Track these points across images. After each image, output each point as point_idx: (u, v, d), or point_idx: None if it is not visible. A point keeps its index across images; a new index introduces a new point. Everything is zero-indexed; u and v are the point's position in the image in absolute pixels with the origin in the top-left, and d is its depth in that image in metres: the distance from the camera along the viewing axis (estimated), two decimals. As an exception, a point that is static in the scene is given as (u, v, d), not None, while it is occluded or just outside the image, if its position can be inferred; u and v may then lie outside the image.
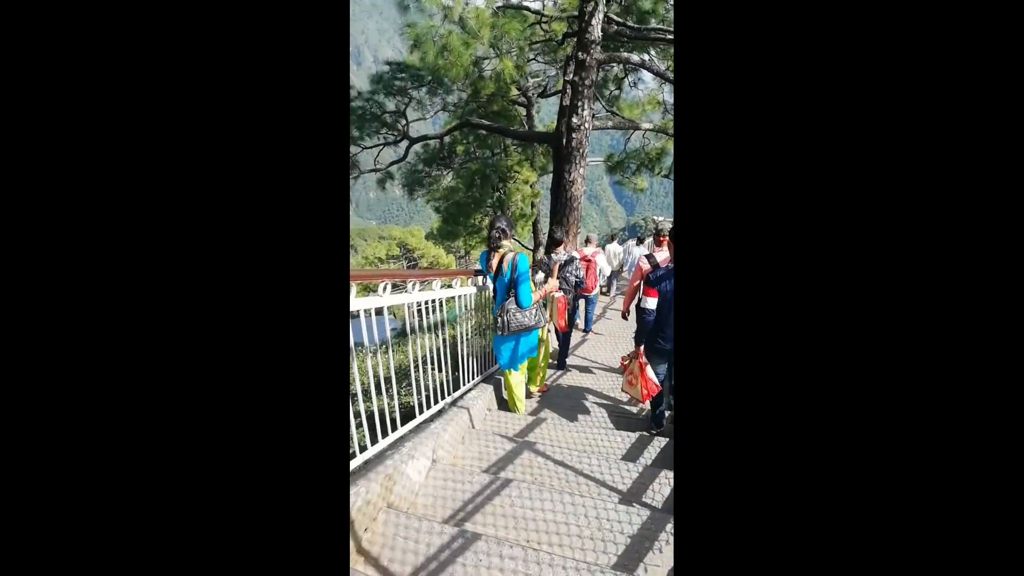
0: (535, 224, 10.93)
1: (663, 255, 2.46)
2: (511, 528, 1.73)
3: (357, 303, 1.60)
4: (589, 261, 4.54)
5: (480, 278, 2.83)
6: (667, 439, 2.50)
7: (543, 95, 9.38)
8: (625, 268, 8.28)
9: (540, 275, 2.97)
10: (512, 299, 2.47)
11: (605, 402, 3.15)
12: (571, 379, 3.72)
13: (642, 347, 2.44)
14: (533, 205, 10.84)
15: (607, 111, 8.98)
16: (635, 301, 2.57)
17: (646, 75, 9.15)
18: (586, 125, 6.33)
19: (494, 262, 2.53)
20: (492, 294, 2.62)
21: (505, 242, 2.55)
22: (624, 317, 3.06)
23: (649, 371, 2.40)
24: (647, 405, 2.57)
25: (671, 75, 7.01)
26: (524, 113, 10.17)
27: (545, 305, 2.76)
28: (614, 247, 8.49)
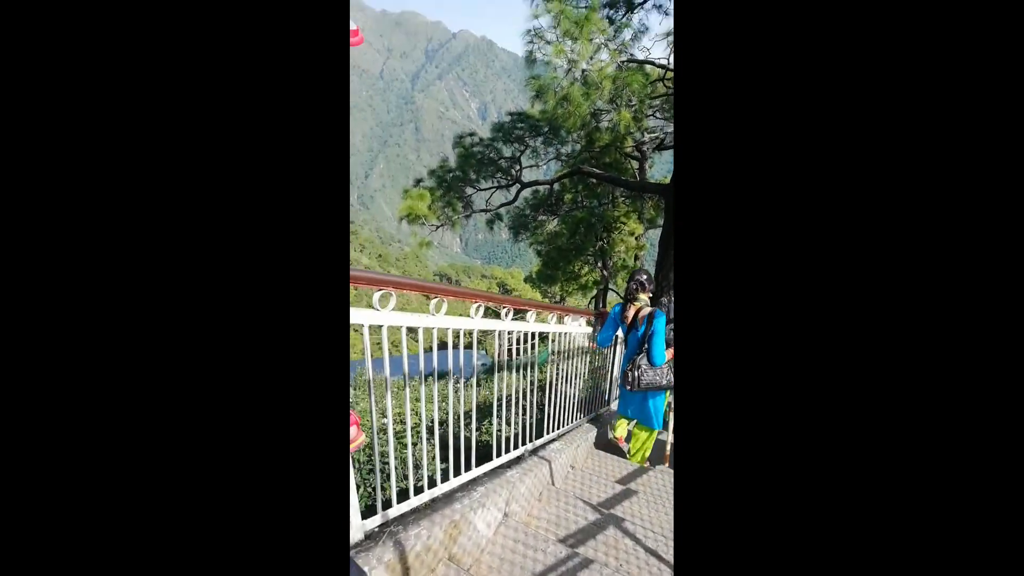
0: (637, 277, 10.47)
1: None
2: (587, 623, 1.41)
3: (446, 321, 1.51)
4: None
5: (589, 319, 2.76)
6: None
7: (659, 148, 9.20)
8: None
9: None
10: (644, 355, 2.42)
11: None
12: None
13: None
14: (637, 257, 10.42)
15: (729, 166, 8.43)
16: None
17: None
18: (705, 177, 5.94)
19: (629, 314, 2.51)
20: (623, 347, 2.64)
21: (642, 295, 2.51)
22: None
23: None
24: None
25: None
26: (636, 166, 10.04)
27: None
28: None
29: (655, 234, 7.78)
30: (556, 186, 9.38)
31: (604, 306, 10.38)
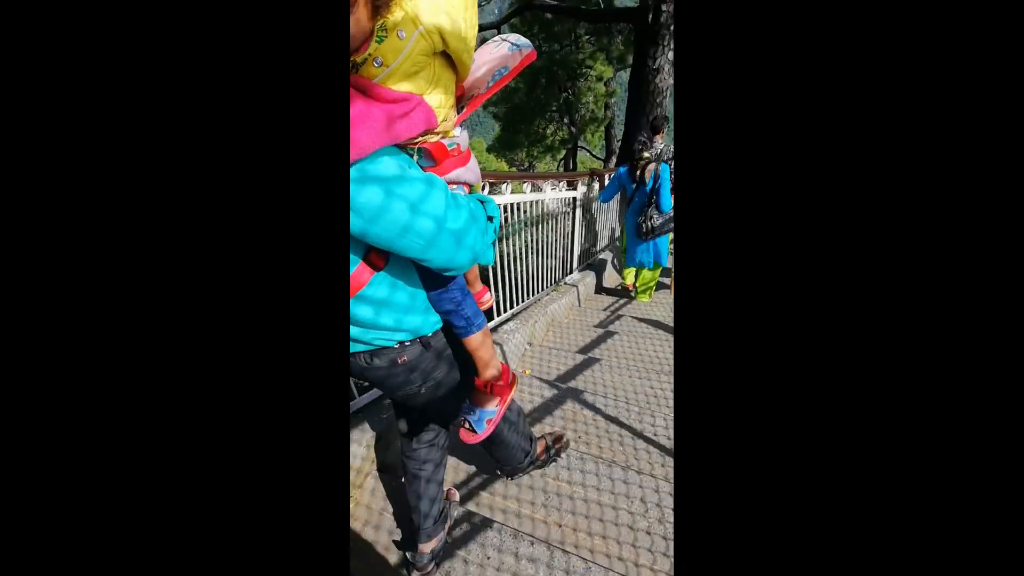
0: (608, 130, 9.57)
1: None
2: (539, 506, 1.31)
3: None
4: None
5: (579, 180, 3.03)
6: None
7: (624, -40, 7.66)
8: None
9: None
10: (653, 206, 2.76)
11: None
12: (639, 309, 3.13)
13: None
14: (607, 107, 9.39)
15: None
16: None
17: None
18: (678, -9, 4.93)
19: (637, 172, 2.80)
20: (627, 203, 2.96)
21: (646, 154, 2.76)
22: None
23: None
24: None
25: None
26: (601, -7, 8.47)
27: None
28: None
29: (626, 77, 6.83)
30: (506, 29, 7.95)
31: (574, 167, 9.74)
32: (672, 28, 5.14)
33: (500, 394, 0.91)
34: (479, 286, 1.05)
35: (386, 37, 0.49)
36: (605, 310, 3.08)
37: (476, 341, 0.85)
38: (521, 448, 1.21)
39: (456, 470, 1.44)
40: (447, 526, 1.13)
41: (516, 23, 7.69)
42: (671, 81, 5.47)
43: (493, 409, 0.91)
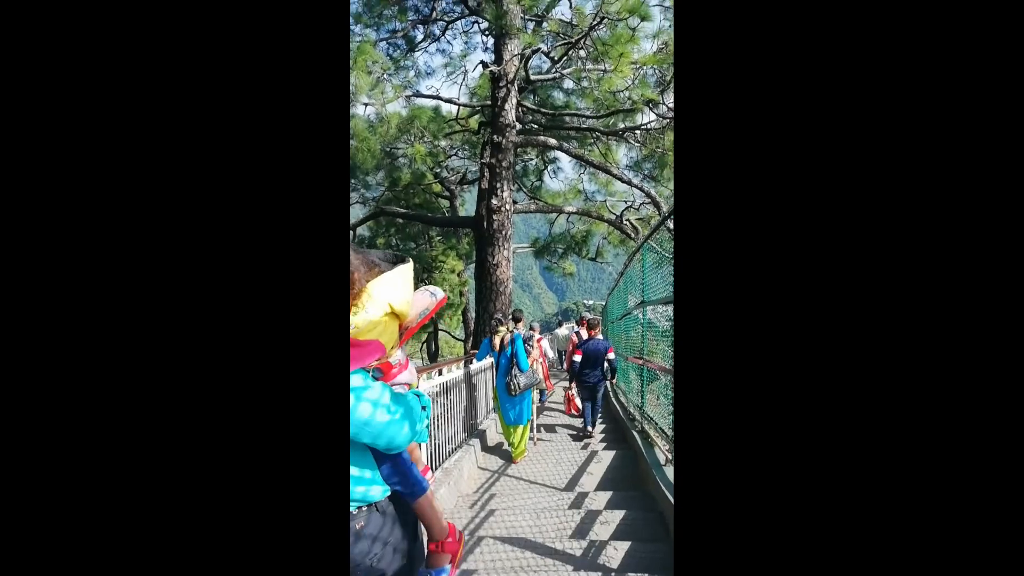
0: (464, 313, 10.26)
1: (584, 332, 4.57)
2: None
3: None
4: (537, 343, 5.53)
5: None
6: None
7: (462, 182, 9.38)
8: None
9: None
10: (515, 367, 3.44)
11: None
12: (506, 495, 2.79)
13: (573, 383, 4.25)
14: (461, 294, 10.25)
15: (529, 198, 9.06)
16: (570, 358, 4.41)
17: (566, 166, 9.54)
18: (507, 207, 6.09)
19: (496, 341, 3.67)
20: (495, 368, 3.73)
21: (502, 328, 3.70)
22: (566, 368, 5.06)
23: (576, 398, 4.20)
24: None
25: (590, 158, 7.18)
26: (448, 205, 10.06)
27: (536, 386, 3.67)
28: (563, 331, 9.76)
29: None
30: (365, 232, 8.64)
31: (436, 347, 9.89)
32: (506, 233, 6.13)
33: (451, 551, 1.03)
34: (422, 464, 1.19)
35: (360, 311, 0.80)
36: (470, 513, 2.67)
37: (424, 505, 0.98)
38: None
39: None
40: None
41: (372, 225, 8.43)
42: (511, 273, 6.29)
43: (447, 567, 1.02)
